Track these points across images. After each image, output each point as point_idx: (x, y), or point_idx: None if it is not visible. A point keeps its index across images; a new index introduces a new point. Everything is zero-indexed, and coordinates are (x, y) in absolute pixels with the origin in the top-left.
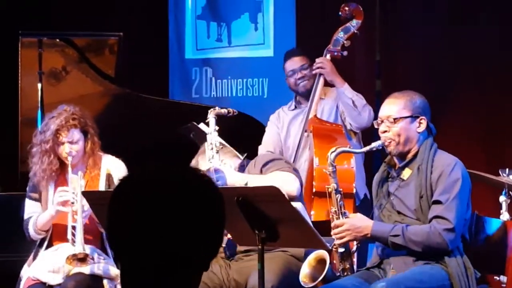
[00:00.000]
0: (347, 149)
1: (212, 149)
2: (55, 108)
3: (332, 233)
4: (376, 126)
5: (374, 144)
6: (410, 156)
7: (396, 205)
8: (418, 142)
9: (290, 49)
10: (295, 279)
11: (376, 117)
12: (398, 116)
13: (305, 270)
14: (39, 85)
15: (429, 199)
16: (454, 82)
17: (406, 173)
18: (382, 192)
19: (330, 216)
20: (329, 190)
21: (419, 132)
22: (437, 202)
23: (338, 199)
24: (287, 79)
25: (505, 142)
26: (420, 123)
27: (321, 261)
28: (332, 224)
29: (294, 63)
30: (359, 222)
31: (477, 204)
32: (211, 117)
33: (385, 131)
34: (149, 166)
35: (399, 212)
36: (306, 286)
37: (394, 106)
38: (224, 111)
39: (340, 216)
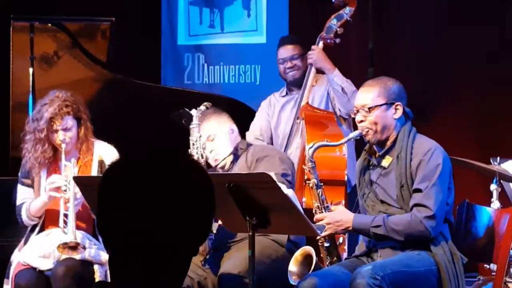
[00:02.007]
0: (324, 143)
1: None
2: (47, 93)
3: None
4: (352, 116)
5: (352, 135)
6: (389, 143)
7: (379, 194)
8: (396, 129)
9: (285, 36)
10: (274, 266)
11: None
12: (373, 105)
13: (292, 267)
14: (31, 70)
15: (410, 187)
16: (446, 71)
17: (387, 161)
18: (365, 181)
19: (314, 211)
20: (310, 185)
21: (395, 119)
22: (417, 190)
23: (320, 194)
24: (278, 66)
25: (497, 131)
26: (396, 109)
27: (307, 257)
28: (314, 219)
29: (286, 51)
30: (340, 216)
31: (468, 192)
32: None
33: (361, 121)
34: (139, 152)
35: (382, 202)
36: (295, 283)
37: (368, 94)
38: (202, 107)
39: (323, 210)
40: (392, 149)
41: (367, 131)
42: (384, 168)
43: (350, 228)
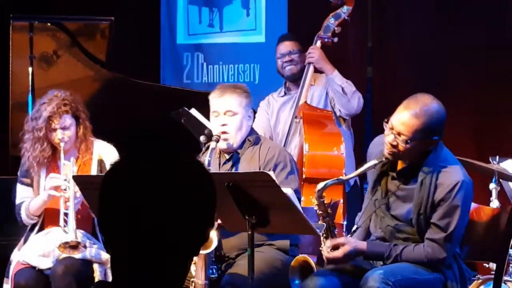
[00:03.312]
0: (335, 180)
1: None
2: (46, 92)
3: (324, 256)
4: (384, 127)
5: (367, 166)
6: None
7: (392, 207)
8: (424, 154)
9: (284, 33)
10: (281, 273)
11: (365, 104)
12: (412, 138)
13: (292, 276)
14: (30, 69)
15: (428, 215)
16: (445, 70)
17: (408, 177)
18: (380, 186)
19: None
20: (318, 212)
21: (427, 149)
22: (437, 225)
23: (328, 222)
24: (276, 61)
25: (496, 130)
26: (432, 142)
27: (307, 265)
28: (324, 257)
29: (285, 47)
30: (352, 254)
31: None
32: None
33: (393, 145)
34: (140, 151)
35: (393, 216)
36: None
37: (410, 124)
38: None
39: (329, 234)
40: (416, 167)
41: (393, 154)
42: (404, 183)
43: (363, 257)
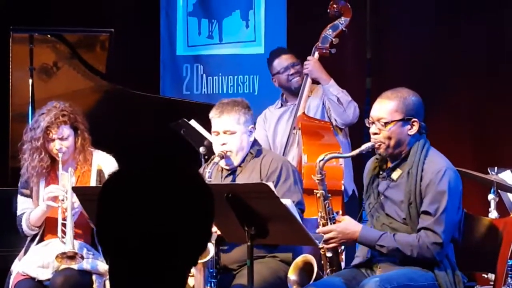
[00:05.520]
0: (336, 154)
1: None
2: (46, 104)
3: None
4: (367, 125)
5: (364, 147)
6: (400, 157)
7: (385, 207)
8: (409, 144)
9: (275, 49)
10: (280, 285)
11: (362, 114)
12: (390, 120)
13: (292, 275)
14: (30, 81)
15: (418, 206)
16: (444, 81)
17: (396, 174)
18: (372, 189)
19: (318, 220)
20: (318, 195)
21: (410, 135)
22: (426, 212)
23: (327, 205)
24: (277, 77)
25: (494, 141)
26: (412, 125)
27: (308, 265)
28: (319, 230)
29: (285, 60)
30: (347, 228)
31: (466, 202)
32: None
33: (375, 133)
34: (139, 162)
35: (387, 215)
36: None
37: (386, 107)
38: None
39: (328, 221)
40: (403, 162)
41: (380, 145)
42: (393, 180)
43: (356, 240)
